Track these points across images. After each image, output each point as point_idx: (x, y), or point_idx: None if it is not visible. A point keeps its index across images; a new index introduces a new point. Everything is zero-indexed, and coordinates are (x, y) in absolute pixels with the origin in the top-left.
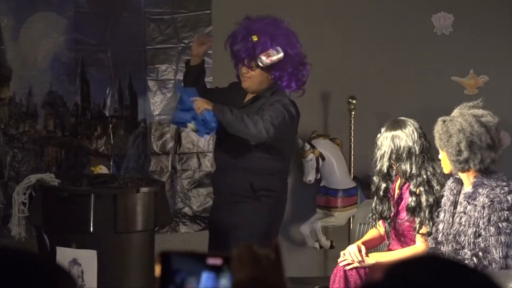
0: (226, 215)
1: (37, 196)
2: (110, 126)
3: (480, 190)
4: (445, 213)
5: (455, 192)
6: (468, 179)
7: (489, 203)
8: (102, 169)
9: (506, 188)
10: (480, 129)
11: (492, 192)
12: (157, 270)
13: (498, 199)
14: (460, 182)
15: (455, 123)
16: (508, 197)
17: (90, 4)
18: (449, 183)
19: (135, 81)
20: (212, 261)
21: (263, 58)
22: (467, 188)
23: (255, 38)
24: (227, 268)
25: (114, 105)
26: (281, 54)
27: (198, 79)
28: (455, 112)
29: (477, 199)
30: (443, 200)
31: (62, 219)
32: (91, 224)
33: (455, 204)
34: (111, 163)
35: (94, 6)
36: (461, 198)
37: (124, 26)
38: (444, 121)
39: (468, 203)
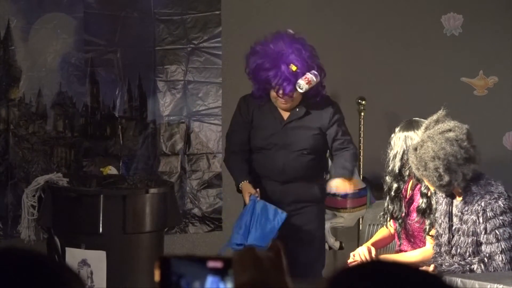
0: (290, 223)
1: (46, 197)
2: (120, 127)
3: (470, 199)
4: (442, 224)
5: (447, 201)
6: (456, 191)
7: (481, 212)
8: (111, 170)
9: (495, 194)
10: (452, 148)
11: (483, 200)
12: (157, 275)
13: (490, 206)
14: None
15: (427, 149)
16: (499, 202)
17: (99, 5)
18: (440, 193)
19: (145, 82)
20: (212, 264)
21: (302, 83)
22: (458, 199)
23: (294, 68)
24: (230, 271)
25: (123, 106)
26: (318, 78)
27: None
28: (423, 134)
29: (469, 209)
30: (438, 210)
31: (71, 220)
32: (100, 225)
33: (449, 215)
34: (121, 164)
35: (104, 7)
36: (454, 210)
37: (133, 27)
38: (415, 149)
39: (462, 213)
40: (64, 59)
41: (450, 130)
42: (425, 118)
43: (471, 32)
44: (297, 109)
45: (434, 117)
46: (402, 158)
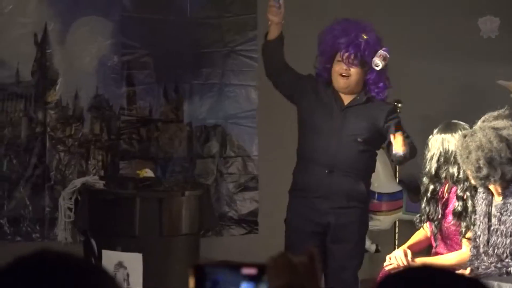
0: (336, 220)
1: (83, 200)
2: (156, 129)
3: (510, 200)
4: (480, 224)
5: (486, 202)
6: (496, 190)
7: None
8: (147, 173)
9: None
10: (499, 144)
11: None
12: (191, 283)
13: None
14: (490, 192)
15: (475, 138)
16: None
17: (136, 8)
18: (481, 193)
19: (181, 84)
20: (246, 271)
21: (377, 60)
22: (498, 199)
23: (364, 36)
24: (264, 277)
25: (160, 108)
26: (389, 54)
27: (278, 52)
28: (477, 124)
29: (509, 209)
30: (477, 210)
31: (107, 222)
32: (137, 227)
33: (489, 215)
34: (157, 167)
35: (140, 10)
36: (493, 210)
37: (170, 29)
38: (465, 136)
39: (501, 214)
40: (100, 62)
41: (504, 128)
42: (462, 121)
43: (508, 34)
44: (358, 97)
45: (495, 113)
46: (438, 160)
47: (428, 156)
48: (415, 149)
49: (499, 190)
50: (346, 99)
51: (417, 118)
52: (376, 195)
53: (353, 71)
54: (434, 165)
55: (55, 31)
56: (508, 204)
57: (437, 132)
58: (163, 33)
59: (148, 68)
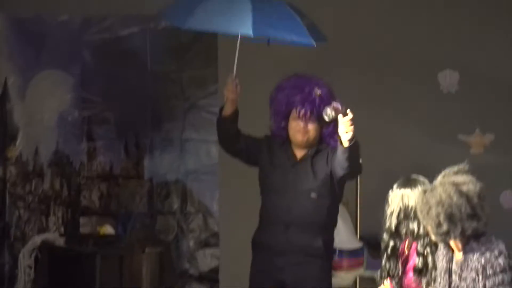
0: (293, 277)
1: (42, 257)
2: (116, 185)
3: (470, 256)
4: (441, 281)
5: (447, 258)
6: (456, 246)
7: (481, 269)
8: (108, 229)
9: (496, 251)
10: (460, 200)
11: (483, 257)
12: None
13: (489, 264)
14: (451, 249)
15: (435, 194)
16: (499, 259)
17: (97, 62)
18: (441, 249)
19: (141, 139)
20: None
21: (329, 110)
22: (458, 255)
23: (318, 92)
24: None
25: (120, 164)
26: (343, 108)
27: (232, 127)
28: (437, 179)
29: (469, 266)
30: (438, 267)
31: (67, 280)
32: (97, 284)
33: (449, 272)
34: (118, 223)
35: (101, 65)
36: (454, 266)
37: (130, 84)
38: (425, 192)
39: (462, 270)
40: (61, 116)
41: (464, 184)
42: (423, 175)
43: (467, 89)
44: (309, 152)
45: (455, 168)
46: (398, 216)
47: (388, 212)
48: (358, 147)
49: (460, 246)
50: (300, 154)
51: (378, 173)
52: (337, 251)
53: (311, 127)
54: (394, 221)
55: (15, 85)
56: (469, 261)
57: (397, 187)
58: (124, 87)
59: (108, 123)
